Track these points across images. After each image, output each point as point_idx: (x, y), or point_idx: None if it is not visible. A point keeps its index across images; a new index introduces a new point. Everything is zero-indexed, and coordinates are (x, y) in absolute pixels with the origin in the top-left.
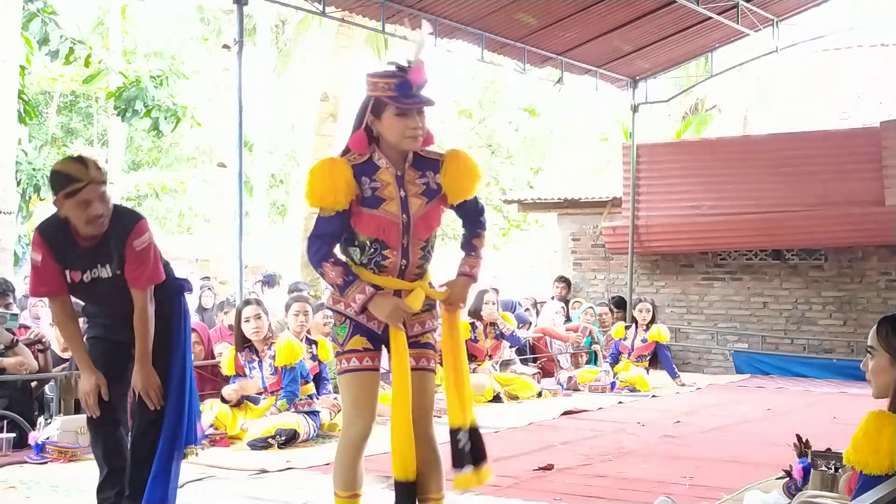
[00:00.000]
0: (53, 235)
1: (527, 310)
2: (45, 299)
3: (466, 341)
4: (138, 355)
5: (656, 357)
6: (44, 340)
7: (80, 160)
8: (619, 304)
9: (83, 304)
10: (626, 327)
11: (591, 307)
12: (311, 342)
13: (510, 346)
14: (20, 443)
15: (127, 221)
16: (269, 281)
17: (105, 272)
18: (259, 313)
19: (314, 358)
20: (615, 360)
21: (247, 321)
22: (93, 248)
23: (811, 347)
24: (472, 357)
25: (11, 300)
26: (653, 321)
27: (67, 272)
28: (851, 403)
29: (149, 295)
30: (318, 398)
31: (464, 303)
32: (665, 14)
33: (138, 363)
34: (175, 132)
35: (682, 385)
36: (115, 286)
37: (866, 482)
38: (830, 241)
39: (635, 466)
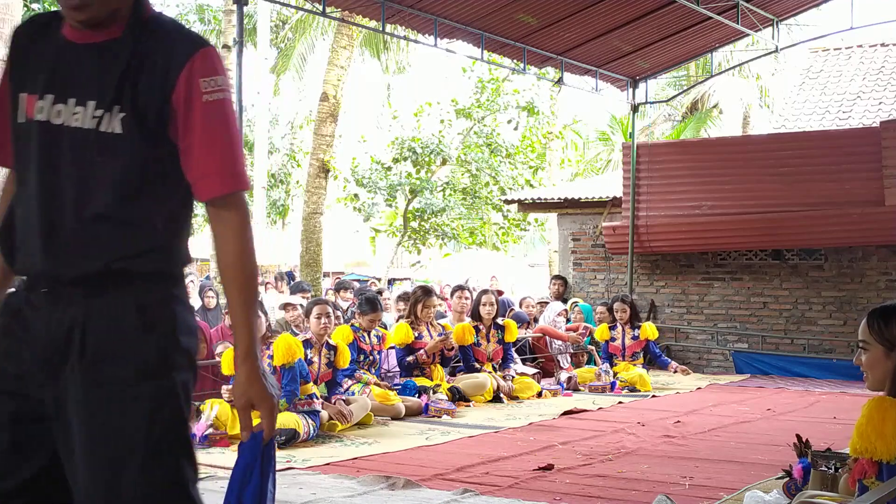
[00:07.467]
0: (32, 25)
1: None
2: None
3: (471, 346)
4: (241, 342)
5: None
6: None
7: None
8: None
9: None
10: (611, 327)
11: (578, 305)
12: (330, 347)
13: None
14: None
15: (187, 37)
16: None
17: (88, 116)
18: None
19: (330, 364)
20: (609, 360)
21: None
22: (83, 52)
23: (811, 347)
24: (477, 361)
25: None
26: (635, 318)
27: (22, 98)
28: (851, 403)
29: (247, 220)
30: (318, 399)
31: None
32: (665, 14)
33: (242, 356)
34: None
35: (676, 371)
36: (99, 157)
37: (890, 471)
38: (830, 241)
39: (635, 466)
